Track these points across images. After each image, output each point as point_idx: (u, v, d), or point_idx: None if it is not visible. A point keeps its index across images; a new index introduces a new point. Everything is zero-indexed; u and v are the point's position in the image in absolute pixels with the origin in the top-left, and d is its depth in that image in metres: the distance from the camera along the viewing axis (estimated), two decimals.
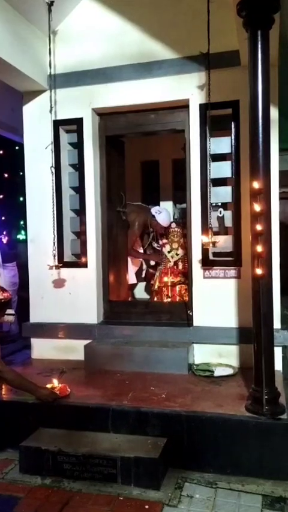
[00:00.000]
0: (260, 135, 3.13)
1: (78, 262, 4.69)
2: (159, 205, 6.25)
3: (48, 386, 3.66)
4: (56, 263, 4.38)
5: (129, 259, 5.52)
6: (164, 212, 5.57)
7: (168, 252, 5.63)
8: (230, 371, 4.02)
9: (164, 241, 5.70)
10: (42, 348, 4.74)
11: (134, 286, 5.97)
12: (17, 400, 3.64)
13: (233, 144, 4.22)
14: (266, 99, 3.13)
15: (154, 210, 5.60)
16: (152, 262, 5.92)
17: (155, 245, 5.77)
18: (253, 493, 2.91)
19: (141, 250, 5.86)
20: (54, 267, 4.37)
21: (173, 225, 5.62)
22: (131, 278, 5.68)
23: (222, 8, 3.72)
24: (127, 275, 5.43)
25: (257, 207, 3.14)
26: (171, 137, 5.24)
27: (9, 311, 4.90)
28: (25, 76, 4.27)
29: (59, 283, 4.69)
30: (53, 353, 4.65)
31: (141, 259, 5.91)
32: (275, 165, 3.78)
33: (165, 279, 5.33)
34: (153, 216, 5.52)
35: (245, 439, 3.10)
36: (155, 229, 5.64)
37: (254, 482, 3.01)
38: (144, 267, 6.11)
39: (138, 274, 5.97)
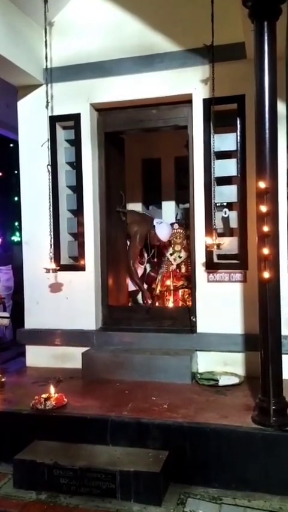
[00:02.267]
0: (267, 131, 3.13)
1: (76, 265, 4.69)
2: (160, 205, 6.28)
3: (44, 396, 3.65)
4: (53, 266, 4.38)
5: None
6: (163, 225, 5.45)
7: (171, 254, 5.64)
8: (235, 380, 4.01)
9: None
10: (37, 356, 4.74)
11: (136, 291, 5.95)
12: (11, 411, 3.63)
13: (238, 140, 4.22)
14: (273, 94, 3.13)
15: (156, 221, 5.51)
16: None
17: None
18: (260, 509, 2.90)
19: (141, 269, 5.73)
20: (51, 271, 4.36)
21: (176, 226, 5.63)
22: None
23: None
24: (127, 280, 5.43)
25: (264, 208, 3.13)
26: (173, 134, 5.25)
27: (3, 314, 4.91)
28: (20, 70, 4.28)
29: (55, 287, 4.69)
30: (49, 361, 4.64)
31: (143, 265, 5.85)
32: (282, 163, 3.78)
33: (168, 282, 5.34)
34: (154, 227, 5.46)
35: (251, 452, 3.08)
36: (151, 241, 5.53)
37: (261, 497, 3.00)
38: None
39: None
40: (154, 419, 3.32)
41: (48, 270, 4.34)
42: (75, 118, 4.63)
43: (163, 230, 5.44)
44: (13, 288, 6.73)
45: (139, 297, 5.62)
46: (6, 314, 5.05)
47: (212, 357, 4.27)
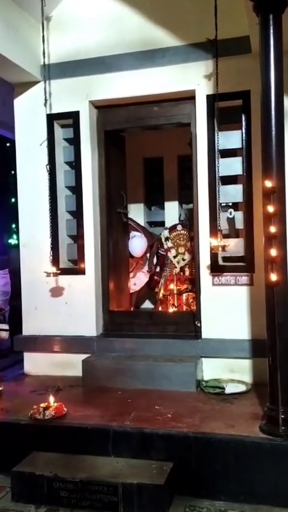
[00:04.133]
0: (273, 128, 3.13)
1: (75, 269, 4.69)
2: (163, 205, 6.26)
3: (43, 405, 3.65)
4: (54, 270, 4.38)
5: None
6: (135, 240, 5.43)
7: (174, 256, 5.63)
8: (242, 388, 4.00)
9: (170, 245, 5.67)
10: (36, 363, 4.74)
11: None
12: (9, 421, 3.63)
13: (243, 138, 4.23)
14: (280, 89, 3.14)
15: (131, 234, 5.51)
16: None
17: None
18: None
19: (146, 275, 5.75)
20: (51, 274, 4.36)
21: (179, 227, 5.62)
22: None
23: None
24: (129, 283, 5.43)
25: (270, 208, 3.13)
26: (176, 131, 5.25)
27: (2, 326, 4.92)
28: (16, 66, 4.30)
29: (54, 291, 4.70)
30: (48, 369, 4.65)
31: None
32: None
33: (171, 286, 5.33)
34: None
35: (259, 463, 3.07)
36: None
37: (270, 510, 2.99)
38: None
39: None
40: (158, 429, 3.32)
41: (48, 274, 4.34)
42: (74, 116, 4.64)
43: (134, 245, 5.44)
44: (10, 292, 6.73)
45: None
46: (6, 326, 5.05)
47: (217, 363, 4.26)
